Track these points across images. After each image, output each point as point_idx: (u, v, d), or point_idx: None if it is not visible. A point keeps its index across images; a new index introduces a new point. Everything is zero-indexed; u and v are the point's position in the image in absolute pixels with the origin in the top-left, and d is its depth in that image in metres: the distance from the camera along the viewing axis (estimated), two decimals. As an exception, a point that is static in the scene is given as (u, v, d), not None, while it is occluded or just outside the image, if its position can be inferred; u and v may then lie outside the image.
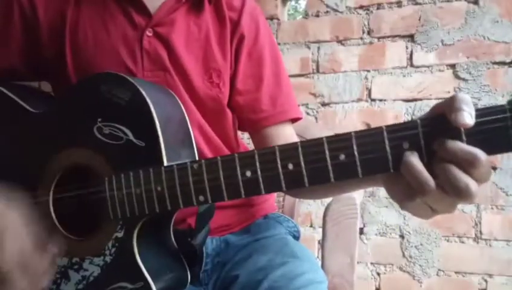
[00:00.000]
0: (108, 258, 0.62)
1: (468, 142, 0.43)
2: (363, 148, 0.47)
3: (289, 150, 0.50)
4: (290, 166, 0.50)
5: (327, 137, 0.49)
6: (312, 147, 0.49)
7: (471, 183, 0.42)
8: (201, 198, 0.55)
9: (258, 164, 0.52)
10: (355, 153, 0.47)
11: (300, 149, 0.50)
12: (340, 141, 0.48)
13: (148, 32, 0.74)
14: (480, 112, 0.42)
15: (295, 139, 0.81)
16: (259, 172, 0.52)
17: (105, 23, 0.75)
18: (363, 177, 0.47)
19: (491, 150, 0.43)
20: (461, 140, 0.43)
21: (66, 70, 0.74)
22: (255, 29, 0.81)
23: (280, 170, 0.50)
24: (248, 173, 0.52)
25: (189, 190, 0.56)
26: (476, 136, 0.43)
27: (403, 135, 0.45)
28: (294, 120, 0.84)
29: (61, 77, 0.76)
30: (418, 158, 0.44)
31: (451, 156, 0.43)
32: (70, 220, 0.67)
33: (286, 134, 0.81)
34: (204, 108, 0.78)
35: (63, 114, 0.68)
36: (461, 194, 0.42)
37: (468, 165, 0.42)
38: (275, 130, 0.80)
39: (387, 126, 0.46)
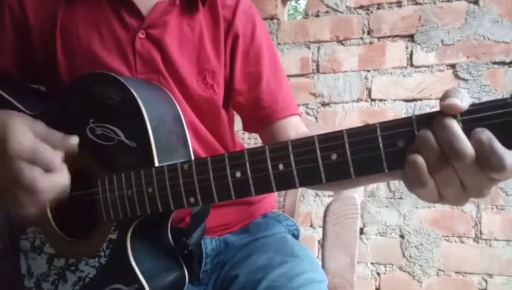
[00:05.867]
0: (103, 260, 0.62)
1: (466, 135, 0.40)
2: (356, 147, 0.45)
3: (279, 150, 0.49)
4: (281, 166, 0.49)
5: (318, 136, 0.47)
6: (303, 146, 0.48)
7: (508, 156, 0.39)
8: (191, 200, 0.55)
9: (247, 165, 0.50)
10: (348, 152, 0.45)
11: (290, 149, 0.48)
12: (331, 140, 0.46)
13: (141, 34, 0.73)
14: (481, 106, 0.40)
15: (304, 128, 0.81)
16: (249, 173, 0.50)
17: (98, 25, 0.74)
18: None
19: None
20: None
21: (59, 74, 0.74)
22: (251, 27, 0.81)
23: (270, 170, 0.49)
24: (238, 174, 0.51)
25: (179, 191, 0.55)
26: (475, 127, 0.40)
27: (398, 132, 0.43)
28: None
29: (54, 80, 0.75)
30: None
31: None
32: (66, 221, 0.67)
33: (294, 124, 0.80)
34: (199, 110, 0.77)
35: (57, 115, 0.67)
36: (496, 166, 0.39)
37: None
38: (281, 124, 0.80)
39: (381, 123, 0.44)
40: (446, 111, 0.41)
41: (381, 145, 0.44)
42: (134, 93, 0.60)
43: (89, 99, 0.63)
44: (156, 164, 0.58)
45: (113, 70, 0.71)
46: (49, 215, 0.66)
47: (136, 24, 0.74)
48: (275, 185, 0.49)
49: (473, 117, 0.40)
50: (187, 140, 0.65)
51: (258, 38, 0.81)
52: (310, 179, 0.48)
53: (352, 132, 0.45)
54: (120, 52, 0.73)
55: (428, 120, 0.42)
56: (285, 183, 0.49)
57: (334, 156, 0.46)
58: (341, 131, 0.46)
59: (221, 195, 0.53)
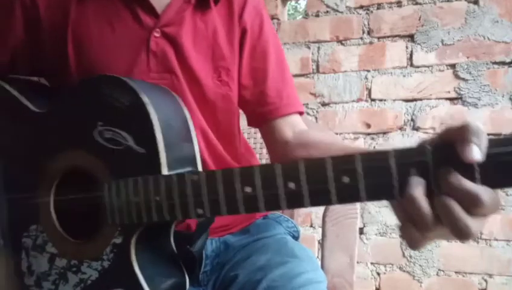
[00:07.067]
0: (106, 263, 0.61)
1: (482, 173, 0.39)
2: (368, 172, 0.44)
3: (291, 169, 0.48)
4: (291, 185, 0.48)
5: (332, 157, 0.46)
6: (315, 166, 0.47)
7: (472, 225, 0.39)
8: (199, 211, 0.54)
9: (258, 181, 0.50)
10: (360, 177, 0.44)
11: (303, 168, 0.47)
12: (344, 163, 0.45)
13: (156, 33, 0.72)
14: (498, 142, 0.39)
15: (302, 126, 0.81)
16: (259, 189, 0.49)
17: (111, 22, 0.73)
18: None
19: (506, 183, 0.40)
20: (473, 171, 0.39)
21: (69, 70, 0.73)
22: (259, 22, 0.80)
23: (281, 188, 0.48)
24: (248, 189, 0.50)
25: (187, 202, 0.54)
26: (491, 167, 0.39)
27: (412, 161, 0.42)
28: (299, 114, 0.84)
29: (63, 76, 0.74)
30: (423, 189, 0.41)
31: (452, 192, 0.39)
32: (70, 222, 0.67)
33: (295, 122, 0.80)
34: (213, 109, 0.76)
35: (65, 115, 0.67)
36: (460, 234, 0.39)
37: (470, 205, 0.39)
38: (283, 121, 0.80)
39: (395, 150, 0.43)
40: (465, 160, 0.39)
41: (394, 172, 0.43)
42: (145, 98, 0.59)
43: (98, 102, 0.62)
44: (165, 172, 0.57)
45: (125, 68, 0.71)
46: (53, 215, 0.66)
47: (152, 22, 0.73)
48: (285, 203, 0.49)
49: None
50: (196, 148, 0.65)
51: (266, 34, 0.81)
52: (320, 200, 0.47)
53: (366, 157, 0.44)
54: (133, 50, 0.72)
55: (444, 153, 0.41)
56: (295, 202, 0.48)
57: (346, 179, 0.45)
58: (354, 155, 0.45)
59: (229, 209, 0.52)
